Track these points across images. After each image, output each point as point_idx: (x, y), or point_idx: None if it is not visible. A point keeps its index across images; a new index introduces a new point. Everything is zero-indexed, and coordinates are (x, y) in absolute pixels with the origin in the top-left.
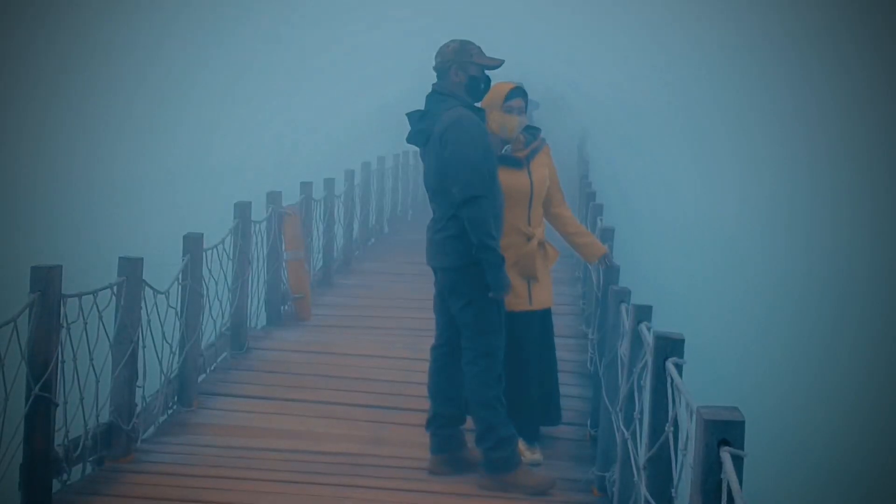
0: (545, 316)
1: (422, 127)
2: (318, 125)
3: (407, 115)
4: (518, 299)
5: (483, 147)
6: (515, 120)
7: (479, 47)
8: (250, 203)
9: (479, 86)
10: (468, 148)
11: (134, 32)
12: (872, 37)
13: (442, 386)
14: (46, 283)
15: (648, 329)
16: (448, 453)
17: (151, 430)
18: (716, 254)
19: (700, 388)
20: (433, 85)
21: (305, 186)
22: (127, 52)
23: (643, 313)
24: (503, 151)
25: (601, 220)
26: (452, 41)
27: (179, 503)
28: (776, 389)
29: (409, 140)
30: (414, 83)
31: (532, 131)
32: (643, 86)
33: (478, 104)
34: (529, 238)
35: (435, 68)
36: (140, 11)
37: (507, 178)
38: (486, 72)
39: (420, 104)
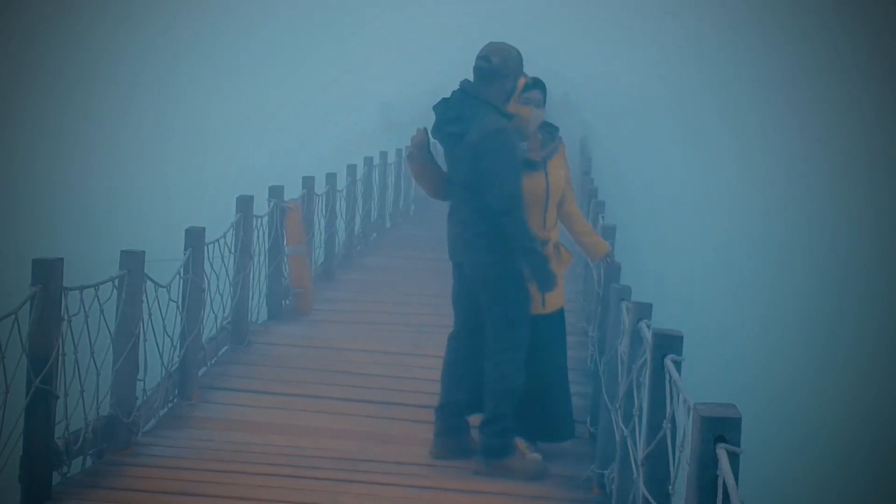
0: (557, 318)
1: (453, 130)
2: (321, 121)
3: (435, 108)
4: (532, 302)
5: (517, 161)
6: (531, 111)
7: None
8: (252, 197)
9: (510, 97)
10: (505, 162)
11: (136, 26)
12: (869, 30)
13: (457, 375)
14: (48, 276)
15: (648, 326)
16: (451, 438)
17: (152, 423)
18: (716, 248)
19: (699, 383)
20: (463, 83)
21: (307, 181)
22: (130, 45)
23: (643, 311)
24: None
25: (602, 217)
26: (512, 47)
27: (179, 496)
28: (775, 384)
29: (437, 137)
30: (414, 82)
31: (550, 130)
32: (643, 83)
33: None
34: (544, 242)
35: (491, 68)
36: (145, 6)
37: (524, 181)
38: None
39: (421, 105)
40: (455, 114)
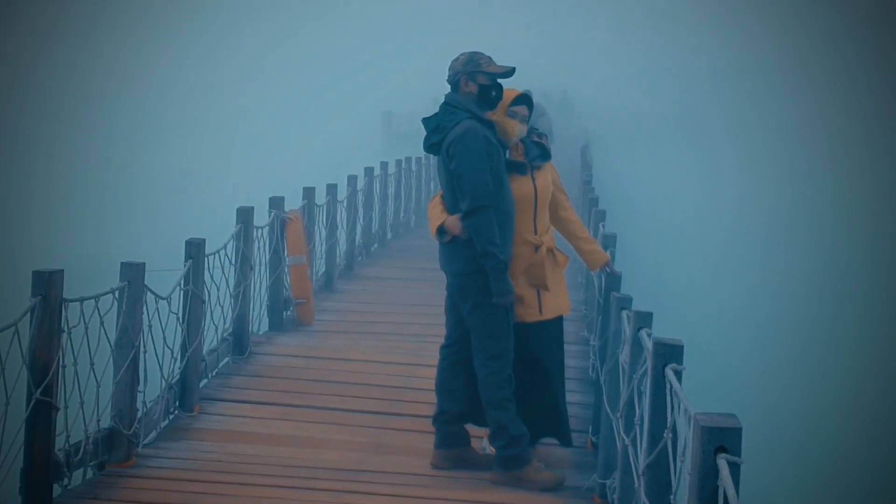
0: (556, 325)
1: (433, 140)
2: (321, 131)
3: (422, 120)
4: (529, 309)
5: (487, 159)
6: (516, 126)
7: (488, 57)
8: (253, 208)
9: (490, 94)
10: (471, 161)
11: (139, 35)
12: (872, 40)
13: (448, 384)
14: (48, 288)
15: (648, 335)
16: (450, 449)
17: (152, 435)
18: (716, 257)
19: (699, 391)
20: (445, 96)
21: (308, 191)
22: (133, 54)
23: (644, 320)
24: (506, 156)
25: (603, 225)
26: (462, 53)
27: None
28: (775, 391)
29: (425, 149)
30: (416, 92)
31: (543, 152)
32: (646, 91)
33: (490, 113)
34: (537, 247)
35: (448, 80)
36: (146, 15)
37: (512, 185)
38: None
39: (423, 112)
40: (435, 124)
